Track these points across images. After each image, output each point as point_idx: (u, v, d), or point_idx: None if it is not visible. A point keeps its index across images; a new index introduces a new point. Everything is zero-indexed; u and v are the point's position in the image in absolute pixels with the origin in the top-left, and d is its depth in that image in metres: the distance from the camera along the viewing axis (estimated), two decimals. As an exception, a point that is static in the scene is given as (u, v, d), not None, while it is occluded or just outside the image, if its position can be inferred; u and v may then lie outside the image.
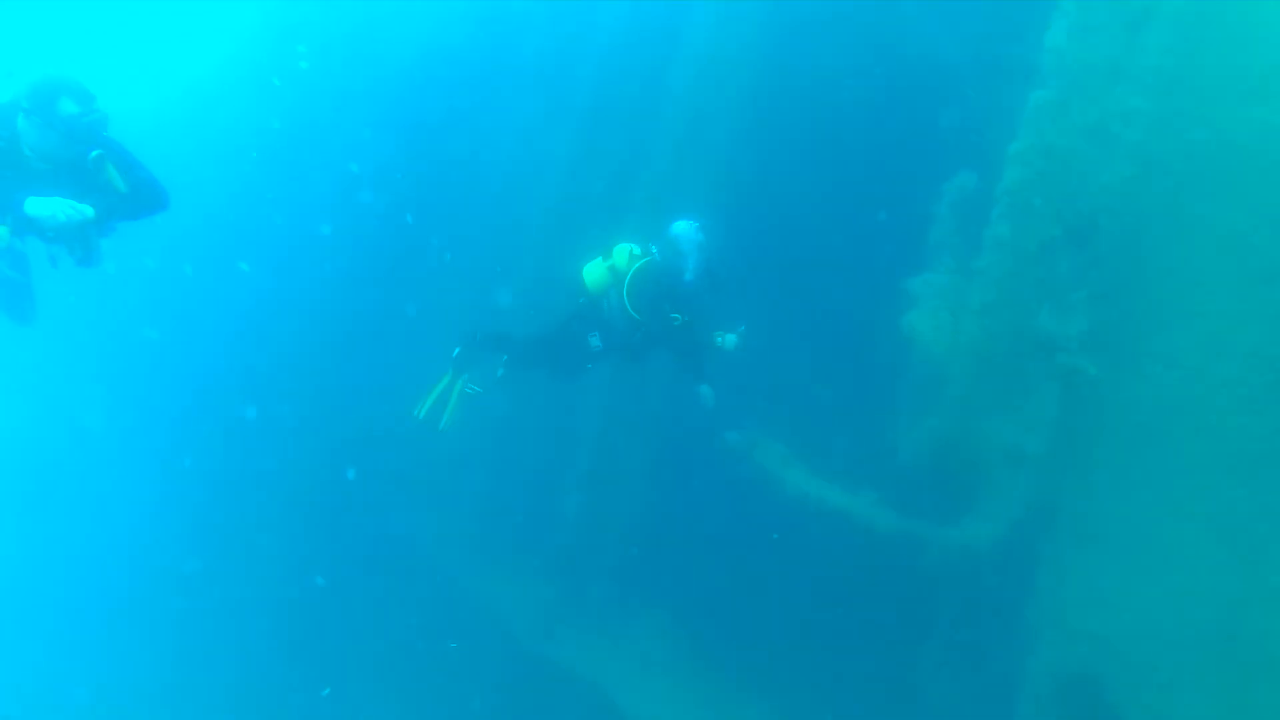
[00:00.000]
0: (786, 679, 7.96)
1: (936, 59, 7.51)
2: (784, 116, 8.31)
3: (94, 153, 4.63)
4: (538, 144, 9.73)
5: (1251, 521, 5.55)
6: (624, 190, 8.71)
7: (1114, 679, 5.95)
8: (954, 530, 6.69)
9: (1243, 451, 5.60)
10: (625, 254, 6.95)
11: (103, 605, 11.68)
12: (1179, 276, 5.95)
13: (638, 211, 8.39)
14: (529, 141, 9.81)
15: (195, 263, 11.12)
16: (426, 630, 9.79)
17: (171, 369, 11.71)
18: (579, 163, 9.42)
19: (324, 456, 10.52)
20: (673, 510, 8.77)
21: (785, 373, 8.10)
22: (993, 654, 6.64)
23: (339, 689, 10.01)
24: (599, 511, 9.05)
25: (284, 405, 10.83)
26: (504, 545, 9.93)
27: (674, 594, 8.89)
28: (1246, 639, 5.51)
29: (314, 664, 10.25)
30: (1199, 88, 5.90)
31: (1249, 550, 5.54)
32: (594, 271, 6.99)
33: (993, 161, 6.34)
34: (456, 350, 7.22)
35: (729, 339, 7.07)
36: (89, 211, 4.59)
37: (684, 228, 6.82)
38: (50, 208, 4.50)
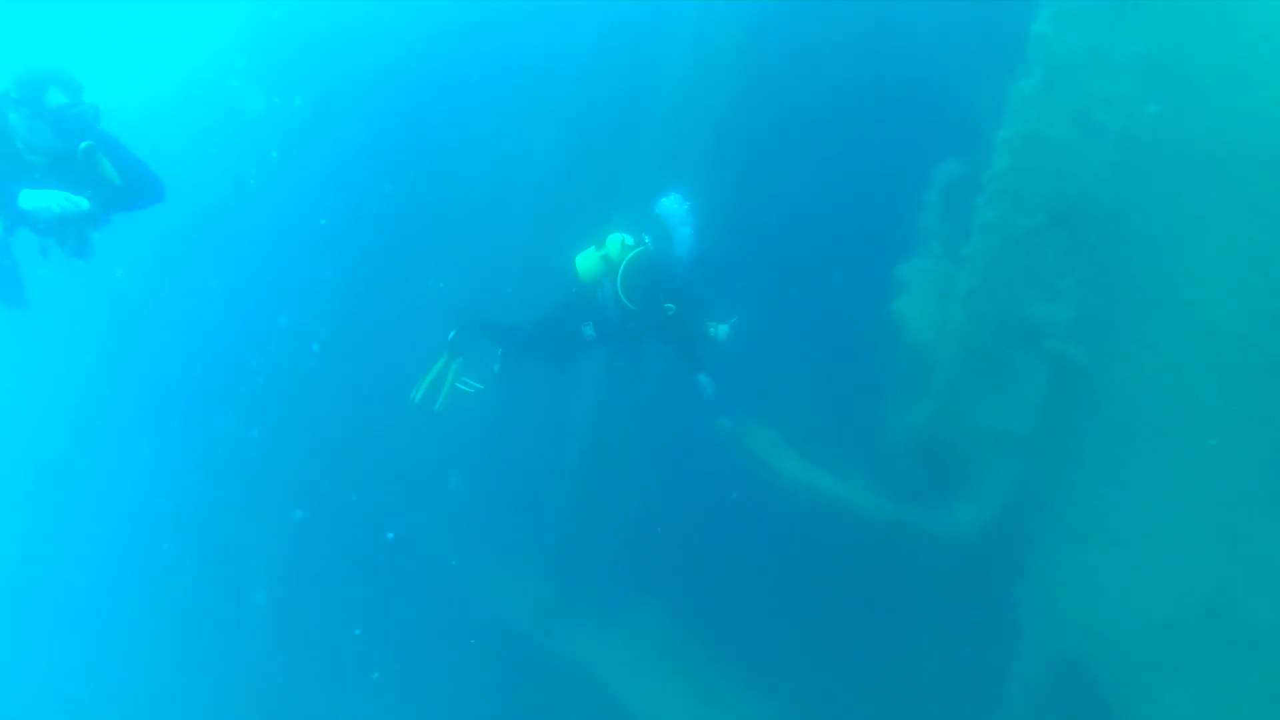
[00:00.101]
0: (778, 663, 8.01)
1: (923, 46, 7.53)
2: (773, 105, 8.33)
3: (83, 144, 4.65)
4: (529, 134, 9.75)
5: (1238, 506, 5.57)
6: (615, 179, 8.74)
7: (1102, 662, 5.99)
8: (943, 515, 6.73)
9: (1229, 436, 5.61)
10: (618, 244, 6.98)
11: (102, 606, 11.75)
12: (1165, 262, 5.97)
13: (629, 201, 8.42)
14: (521, 131, 9.83)
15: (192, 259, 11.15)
16: (424, 624, 9.84)
17: (169, 366, 11.77)
18: (571, 152, 9.44)
19: (322, 454, 10.57)
20: (666, 500, 8.81)
21: (775, 359, 8.13)
22: (982, 638, 6.68)
23: (338, 688, 10.06)
24: (592, 503, 9.10)
25: (280, 407, 10.88)
26: (498, 538, 9.97)
27: (667, 583, 8.94)
28: (1233, 622, 5.52)
29: (314, 663, 10.30)
30: (1184, 74, 5.90)
31: (1235, 534, 5.56)
32: (587, 261, 7.02)
33: (980, 148, 6.37)
34: (452, 333, 7.25)
35: (721, 329, 7.13)
36: (84, 204, 4.63)
37: (669, 205, 6.88)
38: (45, 200, 4.54)
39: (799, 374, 8.26)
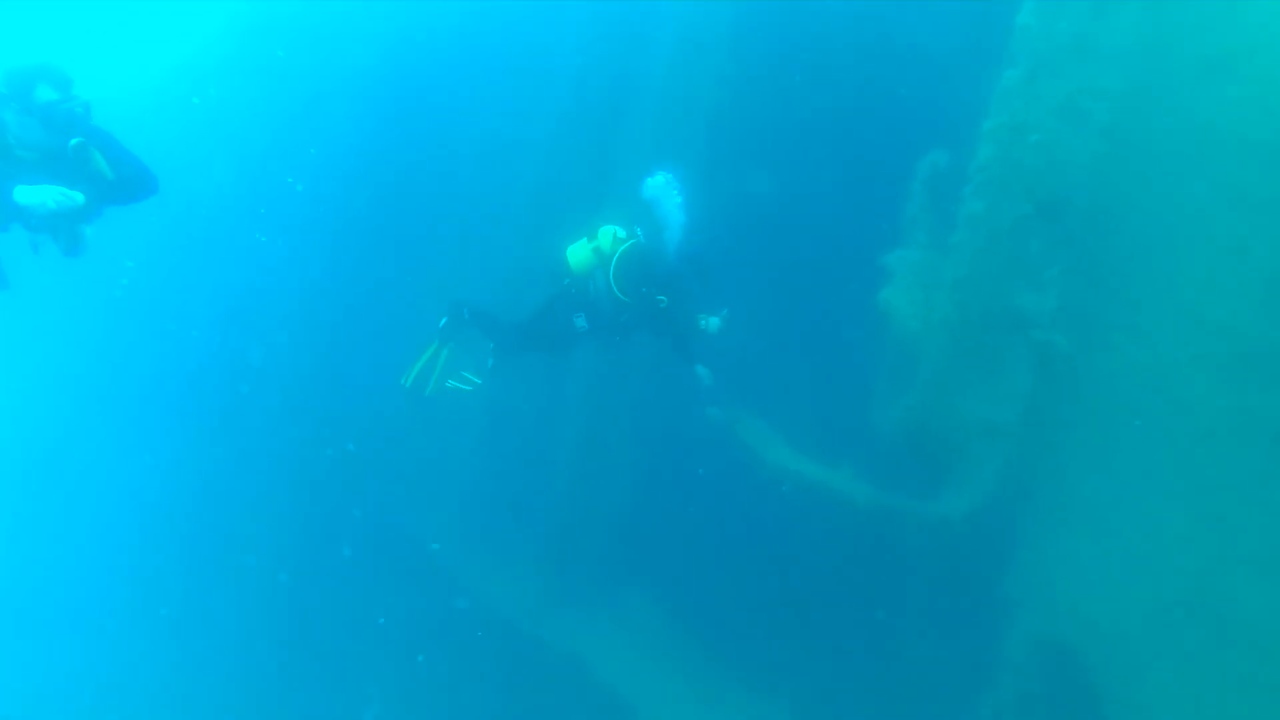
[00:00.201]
0: (769, 652, 8.06)
1: (910, 38, 7.56)
2: (760, 97, 8.36)
3: (74, 140, 4.67)
4: (520, 126, 9.77)
5: (1223, 492, 5.61)
6: (606, 172, 8.76)
7: (1090, 648, 6.03)
8: (931, 503, 6.77)
9: (1214, 423, 5.66)
10: (610, 236, 6.99)
11: (102, 605, 11.79)
12: (1150, 252, 6.01)
13: (620, 193, 8.45)
14: (512, 124, 9.85)
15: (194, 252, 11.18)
16: (420, 618, 9.89)
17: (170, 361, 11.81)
18: (562, 144, 9.46)
19: (320, 454, 10.60)
20: (656, 490, 8.86)
21: (764, 349, 8.16)
22: (971, 625, 6.73)
23: (337, 688, 10.08)
24: (582, 493, 9.14)
25: (277, 398, 10.91)
26: (491, 529, 10.01)
27: (658, 572, 8.99)
28: (1218, 607, 5.57)
29: (313, 662, 10.34)
30: (1168, 65, 5.94)
31: (1220, 520, 5.60)
32: (579, 253, 7.01)
33: (966, 139, 6.40)
34: (443, 320, 7.27)
35: (712, 322, 7.13)
36: (79, 199, 4.65)
37: (656, 184, 6.87)
38: (40, 195, 4.56)
39: (787, 364, 8.30)
